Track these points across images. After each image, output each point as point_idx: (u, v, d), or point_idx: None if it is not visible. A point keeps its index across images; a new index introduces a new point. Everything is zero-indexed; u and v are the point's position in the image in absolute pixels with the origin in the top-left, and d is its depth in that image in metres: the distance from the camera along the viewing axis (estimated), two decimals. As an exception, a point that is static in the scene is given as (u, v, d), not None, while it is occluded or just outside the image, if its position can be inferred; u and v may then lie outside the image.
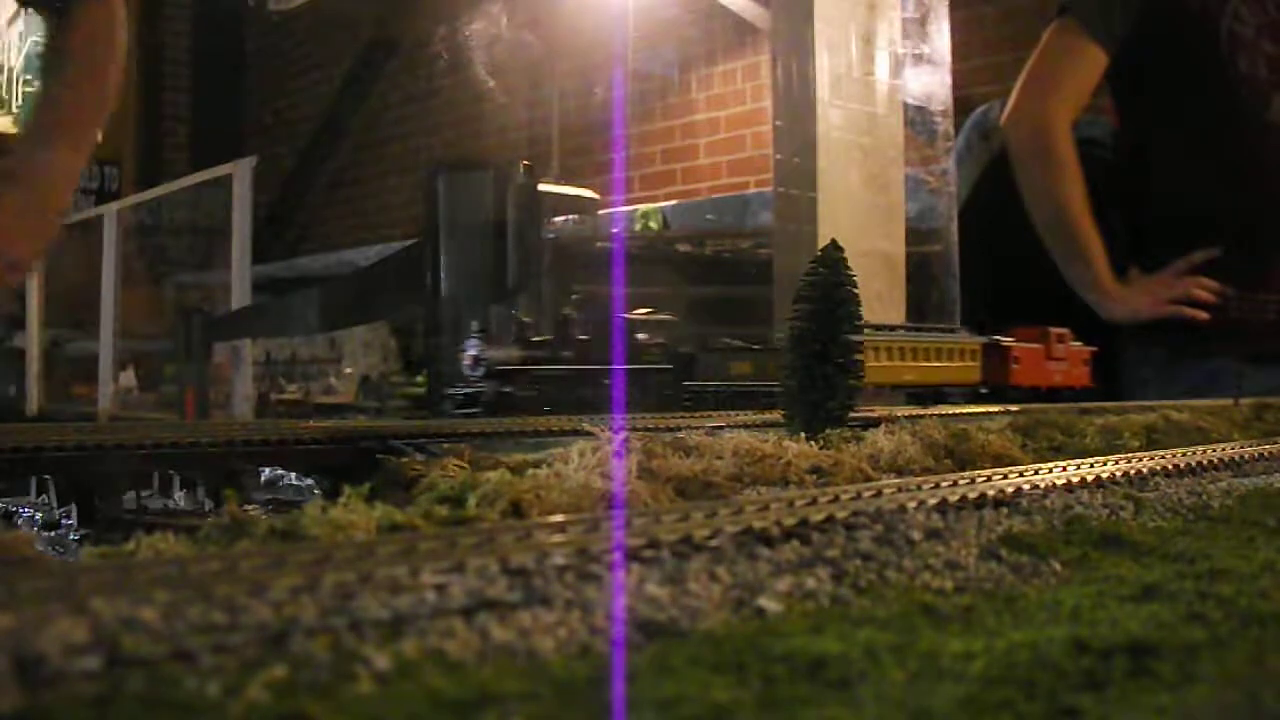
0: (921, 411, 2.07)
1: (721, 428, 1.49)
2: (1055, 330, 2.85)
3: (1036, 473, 1.17)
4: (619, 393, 2.21)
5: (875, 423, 1.53)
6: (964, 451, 1.42)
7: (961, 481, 1.08)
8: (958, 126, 3.69)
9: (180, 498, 1.55)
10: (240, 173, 4.76)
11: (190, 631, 0.55)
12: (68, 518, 1.40)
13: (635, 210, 5.45)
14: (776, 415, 1.64)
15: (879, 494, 0.98)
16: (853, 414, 1.55)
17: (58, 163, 2.27)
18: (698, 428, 1.46)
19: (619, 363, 2.24)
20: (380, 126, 9.59)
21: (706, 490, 1.13)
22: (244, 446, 1.52)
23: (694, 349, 2.38)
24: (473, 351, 2.12)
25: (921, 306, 3.02)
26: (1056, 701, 0.55)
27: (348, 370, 4.92)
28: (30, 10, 2.37)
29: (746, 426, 1.55)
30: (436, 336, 2.68)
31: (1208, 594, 0.74)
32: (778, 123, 2.89)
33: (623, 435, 1.15)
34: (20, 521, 1.40)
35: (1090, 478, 1.17)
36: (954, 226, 3.18)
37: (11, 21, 8.81)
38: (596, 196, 3.25)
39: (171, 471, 1.52)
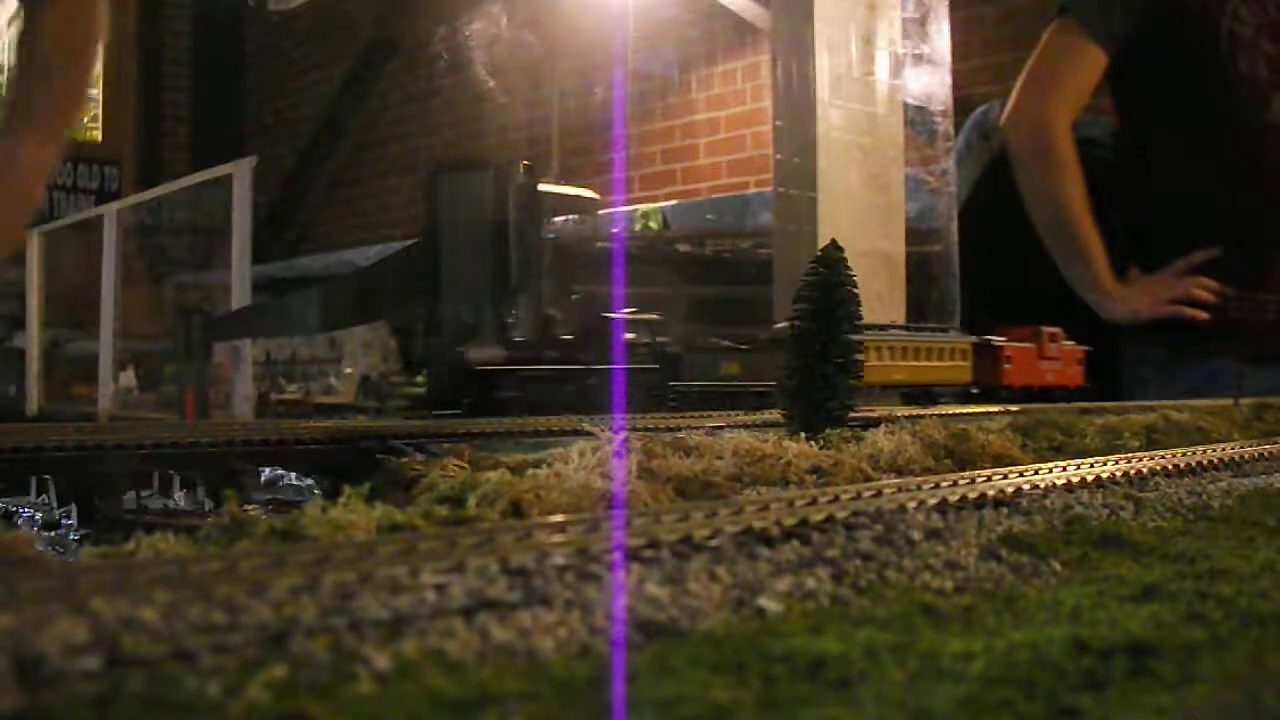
0: (921, 411, 2.07)
1: (721, 428, 1.49)
2: (1048, 330, 2.85)
3: (1036, 473, 1.17)
4: (602, 393, 2.20)
5: (875, 423, 1.53)
6: (964, 451, 1.42)
7: (961, 481, 1.08)
8: (958, 126, 3.69)
9: (180, 498, 1.55)
10: (240, 173, 4.76)
11: (190, 631, 0.55)
12: (68, 518, 1.40)
13: (635, 210, 5.45)
14: (768, 415, 1.64)
15: (879, 494, 0.98)
16: (853, 414, 1.55)
17: (27, 156, 2.22)
18: (698, 428, 1.46)
19: (602, 362, 2.23)
20: (380, 126, 9.59)
21: (706, 490, 1.13)
22: (244, 446, 1.52)
23: (680, 348, 2.37)
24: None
25: (921, 306, 3.02)
26: (1056, 701, 0.55)
27: (348, 370, 4.91)
28: None
29: (746, 426, 1.55)
30: (437, 336, 2.67)
31: (1208, 594, 0.74)
32: (778, 123, 2.89)
33: (622, 435, 1.15)
34: (20, 521, 1.39)
35: (1090, 478, 1.17)
36: (954, 226, 3.18)
37: (11, 21, 8.81)
38: (596, 196, 3.25)
39: (171, 471, 1.52)
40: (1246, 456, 1.47)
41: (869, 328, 2.34)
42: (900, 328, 2.50)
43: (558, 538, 0.75)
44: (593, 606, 0.65)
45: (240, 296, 4.62)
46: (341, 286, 3.85)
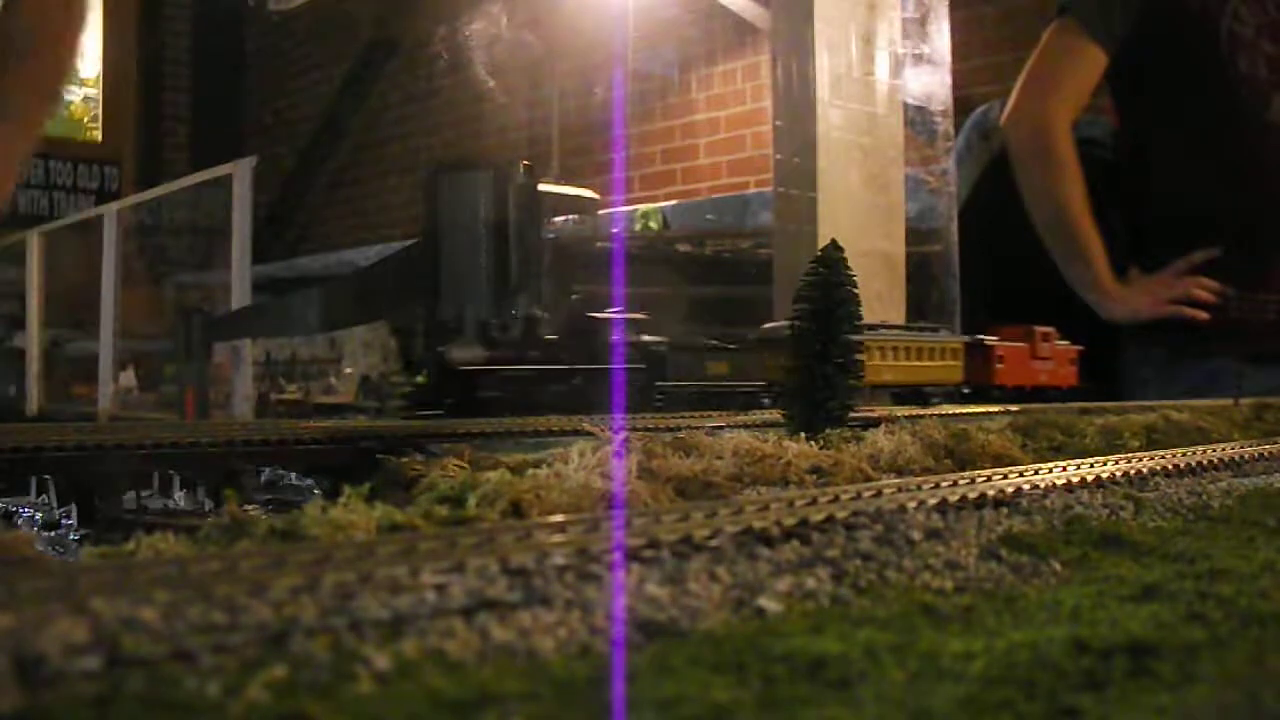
0: (921, 412, 2.07)
1: (721, 428, 1.49)
2: (1040, 329, 2.84)
3: (1036, 473, 1.17)
4: (586, 393, 2.18)
5: (875, 423, 1.53)
6: (964, 451, 1.42)
7: (961, 481, 1.08)
8: (958, 126, 3.69)
9: (180, 498, 1.55)
10: (240, 173, 4.76)
11: (190, 631, 0.55)
12: (68, 518, 1.40)
13: (635, 210, 5.45)
14: (767, 415, 1.64)
15: (879, 494, 0.98)
16: (853, 414, 1.55)
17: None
18: (698, 428, 1.46)
19: (587, 362, 2.22)
20: (380, 126, 9.59)
21: (706, 490, 1.13)
22: (244, 446, 1.52)
23: (664, 347, 2.35)
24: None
25: (921, 306, 3.02)
26: (1056, 701, 0.55)
27: (348, 370, 4.91)
28: None
29: (746, 426, 1.55)
30: (437, 336, 2.67)
31: (1208, 594, 0.74)
32: (778, 123, 2.89)
33: (622, 435, 1.15)
34: (20, 521, 1.39)
35: (1090, 478, 1.17)
36: (954, 226, 3.19)
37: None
38: (596, 196, 3.25)
39: (171, 471, 1.52)
40: (1246, 456, 1.47)
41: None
42: (890, 327, 2.49)
43: (558, 538, 0.75)
44: (593, 606, 0.65)
45: (240, 296, 4.62)
46: (341, 286, 3.85)
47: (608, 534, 0.77)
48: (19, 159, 2.28)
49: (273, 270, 6.47)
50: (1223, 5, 3.34)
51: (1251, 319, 3.37)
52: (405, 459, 1.35)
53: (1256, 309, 3.39)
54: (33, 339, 6.41)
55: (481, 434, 1.62)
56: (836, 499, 0.94)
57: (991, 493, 1.04)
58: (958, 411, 2.17)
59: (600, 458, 1.07)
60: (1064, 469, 1.21)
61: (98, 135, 10.39)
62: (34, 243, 6.48)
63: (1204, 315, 3.31)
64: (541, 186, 2.54)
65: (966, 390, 2.59)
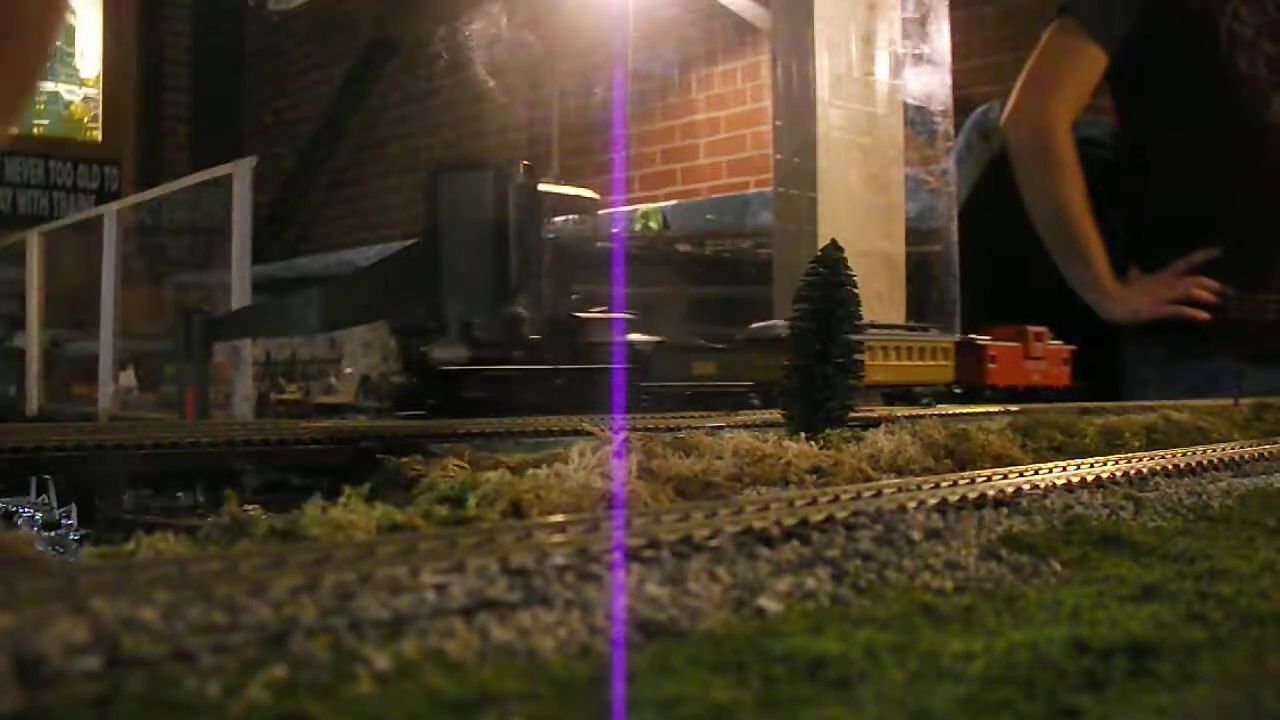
0: (921, 411, 2.07)
1: (721, 428, 1.49)
2: (1033, 329, 2.83)
3: (1036, 473, 1.17)
4: (569, 393, 2.17)
5: (875, 423, 1.53)
6: (964, 451, 1.42)
7: (961, 481, 1.08)
8: (958, 126, 3.69)
9: (180, 498, 1.55)
10: (240, 173, 4.76)
11: (190, 631, 0.55)
12: (68, 518, 1.40)
13: (635, 210, 5.45)
14: (767, 415, 1.64)
15: (879, 494, 0.98)
16: (853, 414, 1.55)
17: None
18: (698, 427, 1.46)
19: (571, 362, 2.20)
20: (380, 126, 9.59)
21: (706, 490, 1.13)
22: (244, 446, 1.52)
23: (650, 347, 2.34)
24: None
25: (921, 306, 3.01)
26: (1056, 701, 0.55)
27: (348, 370, 4.91)
28: None
29: (746, 426, 1.55)
30: (421, 336, 2.67)
31: (1208, 594, 0.74)
32: (778, 123, 2.89)
33: (622, 435, 1.15)
34: (20, 521, 1.39)
35: (1090, 478, 1.17)
36: (954, 226, 3.18)
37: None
38: (596, 196, 3.25)
39: (171, 471, 1.52)
40: (1246, 456, 1.47)
41: None
42: (880, 326, 2.48)
43: (558, 538, 0.75)
44: (593, 606, 0.65)
45: (240, 296, 4.62)
46: (341, 286, 3.85)
47: (608, 534, 0.77)
48: None
49: (273, 270, 6.47)
50: (1223, 5, 3.34)
51: (1251, 319, 3.37)
52: (405, 459, 1.36)
53: (1256, 309, 3.39)
54: (33, 339, 6.41)
55: (481, 434, 1.62)
56: (836, 499, 0.94)
57: (991, 493, 1.04)
58: (957, 411, 2.16)
59: (600, 458, 1.07)
60: (1064, 469, 1.22)
61: (98, 135, 10.38)
62: (34, 243, 6.48)
63: (1204, 315, 3.31)
64: (541, 186, 2.54)
65: (958, 390, 2.57)
